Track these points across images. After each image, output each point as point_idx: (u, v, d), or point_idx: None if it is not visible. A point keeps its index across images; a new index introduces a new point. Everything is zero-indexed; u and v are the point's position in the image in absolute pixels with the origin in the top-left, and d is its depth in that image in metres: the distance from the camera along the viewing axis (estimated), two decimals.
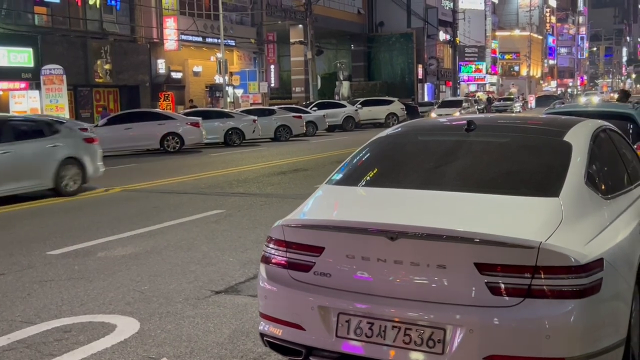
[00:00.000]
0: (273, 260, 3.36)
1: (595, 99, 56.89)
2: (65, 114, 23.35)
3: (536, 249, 2.78)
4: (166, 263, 6.69)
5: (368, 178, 3.77)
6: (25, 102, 26.51)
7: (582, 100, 59.67)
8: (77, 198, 11.59)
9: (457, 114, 53.51)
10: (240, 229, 8.28)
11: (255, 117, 25.29)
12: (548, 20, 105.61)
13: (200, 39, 35.25)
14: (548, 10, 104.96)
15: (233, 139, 24.45)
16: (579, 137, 3.71)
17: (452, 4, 64.82)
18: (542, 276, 2.79)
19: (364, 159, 3.98)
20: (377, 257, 3.02)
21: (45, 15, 28.58)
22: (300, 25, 44.81)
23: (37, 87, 25.91)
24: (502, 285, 2.82)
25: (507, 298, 2.81)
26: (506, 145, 3.83)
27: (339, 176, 3.84)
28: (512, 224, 3.00)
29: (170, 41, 33.50)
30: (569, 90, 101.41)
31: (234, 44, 37.14)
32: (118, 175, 15.30)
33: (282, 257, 3.31)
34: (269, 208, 9.90)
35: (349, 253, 3.10)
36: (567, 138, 3.68)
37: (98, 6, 29.96)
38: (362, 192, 3.64)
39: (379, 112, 37.09)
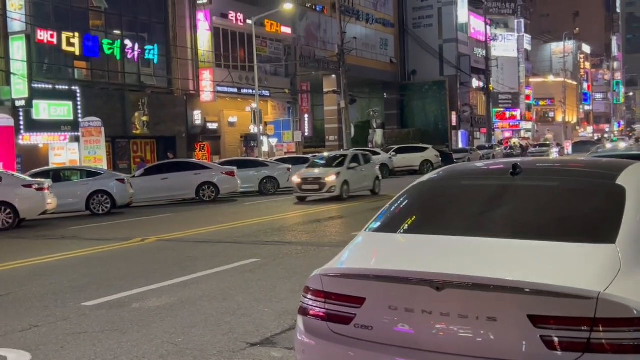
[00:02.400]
0: (311, 312, 3.20)
1: (622, 145, 56.54)
2: (103, 165, 23.71)
3: (595, 299, 2.58)
4: (200, 314, 6.55)
5: (409, 224, 3.61)
6: (64, 154, 27.03)
7: (608, 146, 58.88)
8: (114, 248, 11.59)
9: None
10: (275, 279, 8.12)
11: (290, 166, 25.33)
12: (582, 66, 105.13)
13: (235, 90, 35.77)
14: (582, 56, 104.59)
15: (268, 187, 24.49)
16: (631, 180, 3.51)
17: (484, 52, 64.98)
18: (601, 329, 2.58)
19: (404, 204, 3.83)
20: (422, 309, 2.84)
21: (85, 69, 29.34)
22: (334, 75, 45.26)
23: (76, 139, 26.44)
24: (559, 339, 2.61)
25: (564, 353, 2.61)
26: (555, 190, 3.65)
27: (378, 223, 3.68)
28: (567, 273, 2.81)
29: (206, 93, 34.05)
30: (606, 135, 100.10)
31: (268, 94, 37.60)
32: (154, 225, 15.36)
33: (321, 308, 3.15)
34: (304, 257, 9.74)
35: (391, 304, 2.93)
36: (619, 181, 3.49)
37: (136, 60, 30.67)
38: (404, 240, 3.48)
39: (413, 159, 36.94)
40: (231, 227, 14.01)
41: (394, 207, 3.80)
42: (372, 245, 3.50)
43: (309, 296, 3.23)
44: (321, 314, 3.15)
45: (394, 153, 36.20)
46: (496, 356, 2.69)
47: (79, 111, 26.88)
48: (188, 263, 9.62)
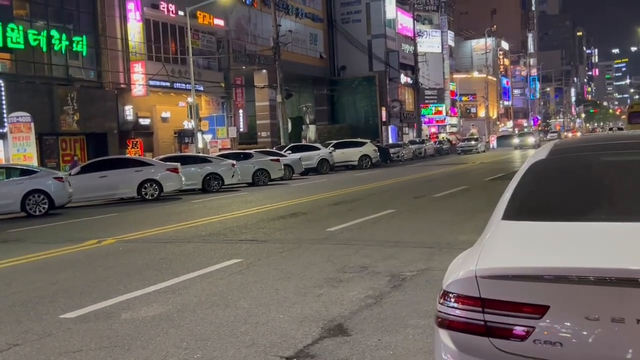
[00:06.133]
0: (461, 325, 2.52)
1: (531, 140, 59.43)
2: (33, 163, 22.10)
3: None
4: (207, 323, 5.75)
5: (565, 210, 2.98)
6: None
7: (516, 141, 61.41)
8: (70, 251, 10.50)
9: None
10: (272, 280, 7.38)
11: (234, 162, 24.40)
12: (502, 63, 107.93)
13: (168, 84, 34.41)
14: (501, 52, 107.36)
15: (212, 184, 23.47)
16: None
17: (412, 48, 65.52)
18: None
19: (535, 188, 3.20)
20: (638, 319, 2.23)
21: (8, 61, 27.41)
22: (264, 70, 44.45)
23: (2, 136, 24.63)
24: None
25: None
26: None
27: (512, 210, 3.03)
28: None
29: (138, 87, 32.56)
30: (525, 129, 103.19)
31: (202, 89, 36.40)
32: (103, 226, 14.25)
33: (478, 320, 2.48)
34: (290, 255, 9.01)
35: (590, 314, 2.30)
36: None
37: (64, 52, 28.93)
38: (569, 229, 2.83)
39: (352, 154, 36.64)
40: (192, 226, 13.09)
41: (523, 192, 3.16)
42: (529, 238, 2.82)
43: (456, 304, 2.55)
44: (478, 327, 2.48)
45: (332, 148, 35.74)
46: None
47: (3, 106, 25.03)
48: (163, 266, 8.72)
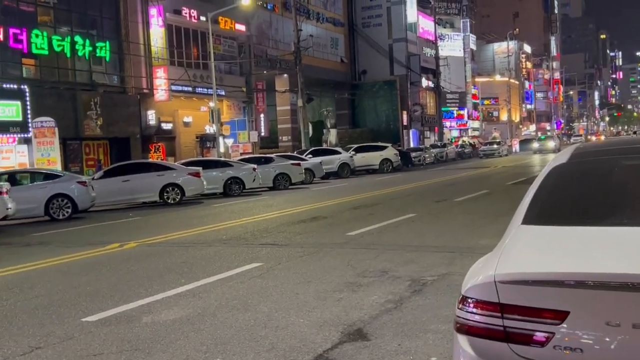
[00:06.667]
0: (480, 330, 2.50)
1: (551, 144, 57.77)
2: (57, 167, 22.36)
3: None
4: (227, 327, 5.77)
5: (586, 214, 2.95)
6: (13, 157, 25.45)
7: (535, 145, 60.05)
8: (92, 254, 10.60)
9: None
10: (292, 284, 7.38)
11: (255, 166, 24.48)
12: (524, 66, 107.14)
13: (190, 89, 34.63)
14: (524, 56, 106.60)
15: (233, 188, 23.56)
16: None
17: (433, 52, 65.31)
18: None
19: (556, 192, 3.16)
20: None
21: (33, 67, 27.78)
22: (285, 75, 44.56)
23: (26, 141, 24.95)
24: None
25: None
26: None
27: (533, 214, 3.00)
28: None
29: (161, 91, 32.82)
30: (548, 133, 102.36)
31: (223, 93, 36.57)
32: (126, 230, 14.39)
33: (497, 325, 2.46)
34: (310, 259, 9.01)
35: (611, 320, 2.26)
36: None
37: (87, 57, 29.27)
38: (592, 234, 2.78)
39: (373, 158, 36.54)
40: (212, 230, 13.14)
41: (543, 196, 3.13)
42: (548, 242, 2.79)
43: (474, 309, 2.53)
44: (498, 332, 2.45)
45: (353, 152, 35.70)
46: None
47: (28, 111, 25.36)
48: (184, 269, 8.77)
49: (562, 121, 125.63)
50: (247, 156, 29.90)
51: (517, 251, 2.71)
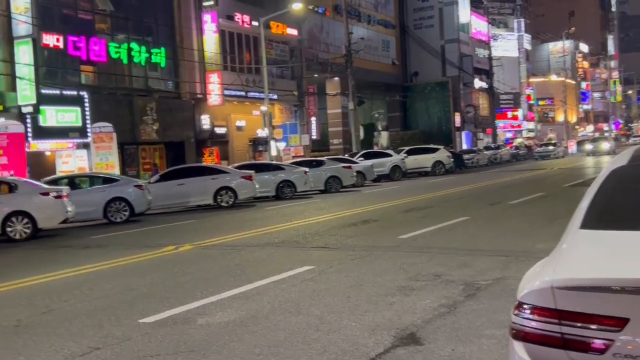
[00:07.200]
0: (537, 337, 2.46)
1: (605, 145, 55.36)
2: (115, 171, 22.92)
3: None
4: (280, 330, 5.81)
5: None
6: (72, 162, 26.18)
7: (588, 147, 57.91)
8: (149, 257, 10.83)
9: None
10: (344, 287, 7.39)
11: (307, 169, 24.59)
12: (580, 65, 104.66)
13: (243, 93, 35.03)
14: (580, 55, 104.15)
15: (285, 191, 23.72)
16: None
17: (486, 52, 64.42)
18: None
19: (618, 196, 3.08)
20: None
21: (91, 74, 28.55)
22: (336, 78, 44.63)
23: (85, 146, 25.64)
24: None
25: None
26: None
27: (592, 219, 2.93)
28: None
29: (214, 96, 33.31)
30: (606, 134, 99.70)
31: (275, 97, 36.85)
32: (181, 232, 14.63)
33: (554, 332, 2.41)
34: (362, 262, 9.00)
35: None
36: None
37: (143, 64, 29.92)
38: None
39: (425, 161, 36.27)
40: (265, 233, 13.26)
41: (602, 199, 3.05)
42: (608, 247, 2.73)
43: (531, 316, 2.49)
44: (555, 339, 2.41)
45: (405, 155, 35.50)
46: None
47: (87, 117, 26.07)
48: (238, 272, 8.87)
49: (621, 121, 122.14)
50: (298, 159, 30.04)
51: (575, 256, 2.65)
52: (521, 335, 2.52)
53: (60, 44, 25.86)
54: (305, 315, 6.27)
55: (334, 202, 20.69)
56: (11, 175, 19.21)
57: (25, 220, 14.83)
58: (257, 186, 21.81)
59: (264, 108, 32.98)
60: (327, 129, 47.61)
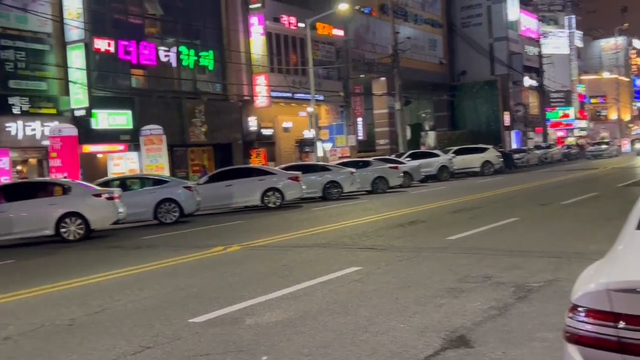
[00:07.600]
0: (592, 340, 2.39)
1: None
2: (165, 173, 23.32)
3: None
4: (327, 330, 5.80)
5: None
6: (123, 164, 26.76)
7: (638, 146, 56.24)
8: (197, 257, 10.97)
9: None
10: (392, 289, 7.34)
11: (354, 170, 24.56)
12: (634, 62, 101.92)
13: (289, 94, 35.24)
14: (634, 51, 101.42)
15: (332, 192, 23.74)
16: None
17: (536, 50, 63.29)
18: None
19: None
20: None
21: (141, 77, 29.10)
22: (382, 78, 44.48)
23: (135, 148, 26.14)
24: None
25: None
26: None
27: None
28: None
29: (261, 98, 33.58)
30: None
31: (322, 98, 36.94)
32: (229, 233, 14.78)
33: (610, 335, 2.35)
34: (410, 264, 8.94)
35: None
36: None
37: (192, 67, 30.36)
38: None
39: (473, 161, 35.82)
40: (312, 234, 13.28)
41: None
42: None
43: (585, 318, 2.43)
44: (611, 342, 2.34)
45: (453, 154, 35.14)
46: None
47: (138, 120, 26.58)
48: (285, 272, 8.91)
49: None
50: (345, 160, 30.03)
51: (631, 258, 2.58)
52: (575, 338, 2.46)
53: (112, 49, 26.45)
54: (353, 316, 6.25)
55: (380, 203, 20.61)
56: (65, 177, 19.70)
57: (79, 221, 15.19)
58: (304, 187, 21.87)
59: (310, 109, 33.09)
60: (373, 130, 47.51)
